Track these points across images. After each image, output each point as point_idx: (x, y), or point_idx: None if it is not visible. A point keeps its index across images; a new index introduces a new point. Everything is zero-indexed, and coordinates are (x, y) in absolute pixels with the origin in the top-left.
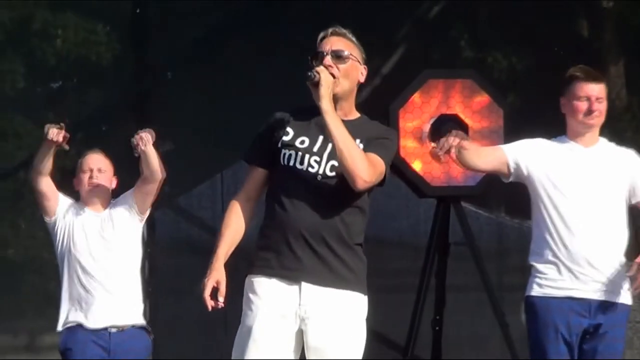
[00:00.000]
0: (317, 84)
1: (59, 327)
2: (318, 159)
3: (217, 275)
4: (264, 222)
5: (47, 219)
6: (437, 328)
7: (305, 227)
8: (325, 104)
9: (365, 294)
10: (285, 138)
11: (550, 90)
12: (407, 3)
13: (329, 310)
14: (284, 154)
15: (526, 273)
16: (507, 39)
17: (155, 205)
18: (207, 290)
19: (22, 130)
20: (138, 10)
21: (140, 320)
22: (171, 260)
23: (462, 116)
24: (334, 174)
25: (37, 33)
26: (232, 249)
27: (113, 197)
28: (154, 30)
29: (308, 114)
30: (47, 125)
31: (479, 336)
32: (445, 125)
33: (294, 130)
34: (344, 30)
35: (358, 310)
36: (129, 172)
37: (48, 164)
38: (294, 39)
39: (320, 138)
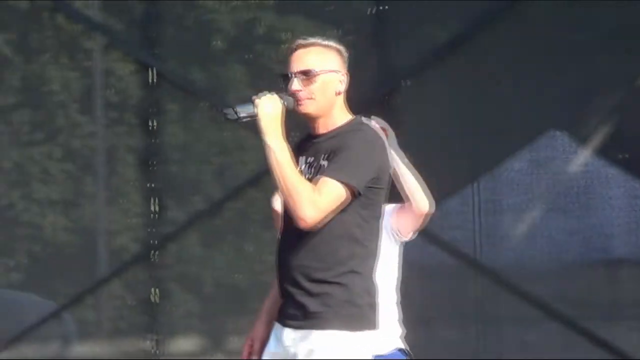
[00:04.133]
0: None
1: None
2: None
3: (252, 334)
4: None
5: None
6: None
7: (284, 270)
8: (269, 139)
9: (350, 330)
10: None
11: None
12: None
13: (306, 355)
14: None
15: None
16: None
17: None
18: (244, 353)
19: (247, 144)
20: (374, 11)
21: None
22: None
23: None
24: None
25: (262, 38)
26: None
27: None
28: (392, 33)
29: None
30: None
31: None
32: None
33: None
34: (311, 40)
35: (335, 352)
36: None
37: None
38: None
39: (303, 168)
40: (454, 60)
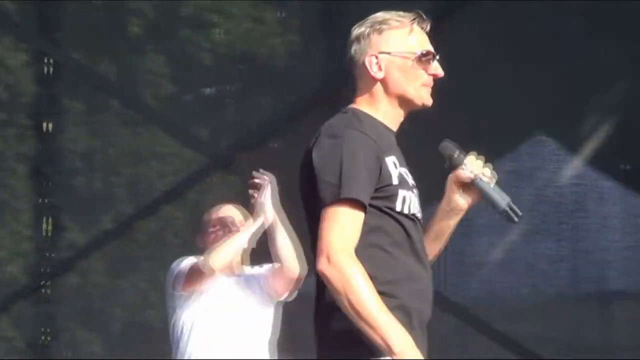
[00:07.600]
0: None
1: None
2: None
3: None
4: (395, 278)
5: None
6: None
7: (430, 295)
8: None
9: None
10: (397, 171)
11: None
12: None
13: None
14: (403, 197)
15: None
16: None
17: None
18: None
19: (165, 151)
20: None
21: None
22: None
23: None
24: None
25: (187, 22)
26: None
27: None
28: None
29: (383, 132)
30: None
31: None
32: None
33: (397, 159)
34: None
35: None
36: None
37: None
38: None
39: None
40: None
